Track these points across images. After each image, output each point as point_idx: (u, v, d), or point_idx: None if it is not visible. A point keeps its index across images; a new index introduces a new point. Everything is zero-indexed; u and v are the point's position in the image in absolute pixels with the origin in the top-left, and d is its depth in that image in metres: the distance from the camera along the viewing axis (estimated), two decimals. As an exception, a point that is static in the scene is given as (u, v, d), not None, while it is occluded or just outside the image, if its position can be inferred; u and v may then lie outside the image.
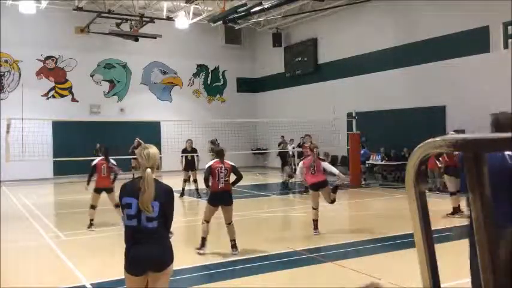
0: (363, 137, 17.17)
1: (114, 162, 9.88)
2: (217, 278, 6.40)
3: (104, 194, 9.77)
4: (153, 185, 3.68)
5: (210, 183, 7.53)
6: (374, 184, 17.09)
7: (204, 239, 7.64)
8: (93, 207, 9.75)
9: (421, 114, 16.83)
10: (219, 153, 7.72)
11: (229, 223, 7.65)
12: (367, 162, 17.99)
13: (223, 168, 7.49)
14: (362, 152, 17.18)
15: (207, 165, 7.61)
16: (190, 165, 14.46)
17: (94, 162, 9.86)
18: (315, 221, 8.80)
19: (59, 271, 7.06)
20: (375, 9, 19.13)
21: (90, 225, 9.71)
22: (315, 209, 8.82)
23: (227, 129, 20.79)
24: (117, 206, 9.72)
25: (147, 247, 3.70)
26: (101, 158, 9.90)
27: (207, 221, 7.64)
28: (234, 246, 7.64)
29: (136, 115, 22.38)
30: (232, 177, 7.72)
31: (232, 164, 7.74)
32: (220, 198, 7.58)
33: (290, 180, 16.91)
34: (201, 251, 7.55)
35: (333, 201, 8.93)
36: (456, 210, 10.42)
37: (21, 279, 6.64)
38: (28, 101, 19.56)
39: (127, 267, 3.75)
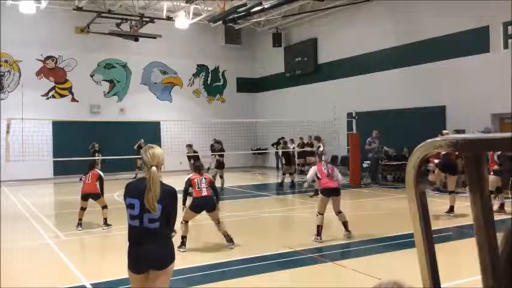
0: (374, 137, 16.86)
1: (100, 173, 9.88)
2: (217, 278, 6.40)
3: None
4: (158, 183, 3.72)
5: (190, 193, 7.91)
6: (374, 184, 17.07)
7: (184, 238, 7.75)
8: (82, 209, 9.76)
9: (421, 114, 16.82)
10: (197, 168, 8.18)
11: (218, 222, 7.89)
12: (365, 162, 17.94)
13: (202, 179, 7.86)
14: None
15: (186, 179, 7.94)
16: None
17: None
18: (319, 227, 8.22)
19: (58, 271, 7.06)
20: (375, 9, 19.13)
21: (78, 224, 9.70)
22: (321, 214, 8.24)
23: (227, 129, 20.80)
24: (104, 207, 9.74)
25: (148, 246, 3.76)
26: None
27: (187, 222, 7.82)
28: (229, 240, 7.90)
29: (136, 115, 22.38)
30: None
31: (211, 177, 8.43)
32: (203, 204, 7.77)
33: (285, 179, 17.01)
34: (181, 250, 7.58)
35: (339, 212, 8.40)
36: (452, 209, 10.40)
37: (21, 279, 6.63)
38: (28, 101, 19.56)
39: (129, 266, 3.84)
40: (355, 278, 6.27)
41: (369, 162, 18.13)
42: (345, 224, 8.42)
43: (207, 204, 7.77)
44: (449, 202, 10.54)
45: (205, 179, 7.88)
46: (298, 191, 15.79)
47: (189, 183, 7.83)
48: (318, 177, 8.55)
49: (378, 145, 16.80)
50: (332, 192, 8.29)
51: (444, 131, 10.15)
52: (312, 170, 8.67)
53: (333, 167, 8.62)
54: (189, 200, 8.06)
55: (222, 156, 16.04)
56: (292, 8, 20.62)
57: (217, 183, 15.32)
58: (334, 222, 9.15)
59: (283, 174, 17.08)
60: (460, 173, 10.84)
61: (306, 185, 9.73)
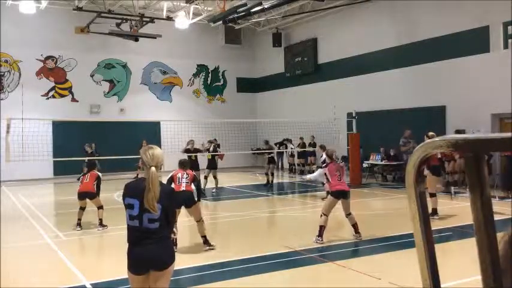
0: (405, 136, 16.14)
1: (99, 174, 9.96)
2: (217, 278, 6.39)
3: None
4: (157, 183, 3.72)
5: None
6: (374, 184, 17.09)
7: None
8: (81, 208, 9.77)
9: (421, 114, 16.83)
10: (181, 164, 8.22)
11: (198, 221, 7.83)
12: (365, 162, 17.98)
13: (184, 174, 7.87)
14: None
15: (168, 176, 7.94)
16: (193, 166, 14.51)
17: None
18: (322, 228, 8.13)
19: (59, 271, 7.07)
20: (375, 9, 19.13)
21: (77, 224, 9.72)
22: (326, 215, 8.13)
23: (227, 129, 20.80)
24: (100, 208, 9.74)
25: (148, 247, 3.76)
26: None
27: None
28: (205, 242, 7.84)
29: (136, 115, 22.38)
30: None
31: (194, 173, 8.36)
32: (180, 199, 7.66)
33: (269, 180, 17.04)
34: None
35: (349, 214, 8.32)
36: (436, 211, 10.10)
37: (21, 279, 6.64)
38: (28, 101, 19.56)
39: (129, 267, 3.83)
40: (355, 278, 6.27)
41: (369, 162, 18.16)
42: (354, 226, 8.33)
43: (184, 199, 7.68)
44: (431, 205, 10.06)
45: (187, 174, 7.90)
46: (276, 192, 15.76)
47: (171, 179, 7.85)
48: (327, 179, 8.42)
49: (412, 145, 16.32)
50: (341, 195, 8.20)
51: (430, 133, 9.82)
52: (320, 171, 8.53)
53: (343, 167, 8.50)
54: None
55: (213, 156, 15.94)
56: (292, 8, 20.63)
57: (212, 184, 15.38)
58: (335, 222, 9.15)
59: (267, 174, 17.07)
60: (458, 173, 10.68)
61: (307, 177, 9.55)
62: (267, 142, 18.53)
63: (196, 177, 8.14)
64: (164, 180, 4.06)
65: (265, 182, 17.10)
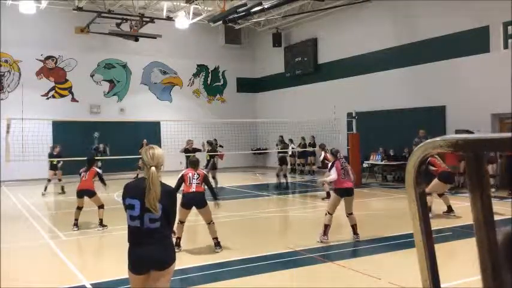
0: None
1: (99, 171, 9.95)
2: (217, 278, 6.39)
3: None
4: (158, 183, 3.72)
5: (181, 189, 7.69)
6: (374, 184, 17.08)
7: (178, 239, 7.63)
8: (78, 208, 9.73)
9: (421, 114, 16.83)
10: (192, 163, 8.01)
11: (209, 223, 7.73)
12: (365, 162, 17.98)
13: (195, 174, 7.67)
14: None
15: (179, 175, 7.78)
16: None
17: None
18: (327, 227, 8.09)
19: (59, 271, 7.07)
20: (375, 9, 19.13)
21: (74, 225, 9.67)
22: (330, 214, 8.10)
23: (227, 129, 20.79)
24: (100, 207, 9.72)
25: (149, 247, 3.76)
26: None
27: (182, 222, 7.66)
28: (217, 244, 7.76)
29: (136, 115, 22.37)
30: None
31: (205, 172, 8.09)
32: (191, 200, 7.57)
33: (281, 181, 16.56)
34: (176, 250, 7.49)
35: (351, 213, 8.26)
36: (430, 209, 10.21)
37: (21, 279, 6.63)
38: (28, 101, 19.54)
39: (130, 267, 3.82)
40: (355, 278, 6.27)
41: (369, 162, 18.15)
42: (353, 227, 8.29)
43: (195, 200, 7.56)
44: (444, 203, 10.40)
45: (198, 174, 7.67)
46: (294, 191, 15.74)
47: (182, 178, 7.67)
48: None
49: None
50: (345, 192, 8.14)
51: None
52: (334, 170, 8.31)
53: (349, 167, 8.45)
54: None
55: (213, 157, 15.91)
56: (292, 8, 20.62)
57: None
58: (335, 222, 9.14)
59: (278, 175, 16.56)
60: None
61: (328, 180, 9.14)
62: (282, 140, 17.96)
63: (207, 177, 7.89)
64: (166, 180, 4.05)
65: (276, 183, 16.43)
